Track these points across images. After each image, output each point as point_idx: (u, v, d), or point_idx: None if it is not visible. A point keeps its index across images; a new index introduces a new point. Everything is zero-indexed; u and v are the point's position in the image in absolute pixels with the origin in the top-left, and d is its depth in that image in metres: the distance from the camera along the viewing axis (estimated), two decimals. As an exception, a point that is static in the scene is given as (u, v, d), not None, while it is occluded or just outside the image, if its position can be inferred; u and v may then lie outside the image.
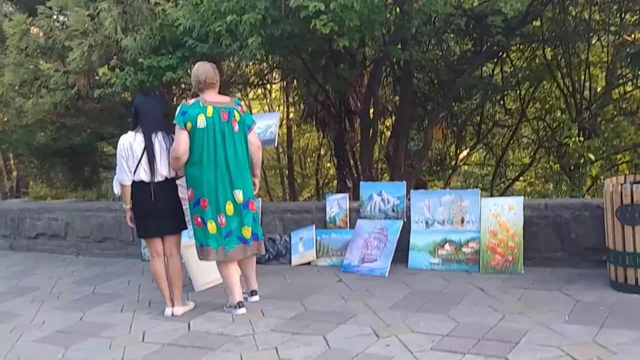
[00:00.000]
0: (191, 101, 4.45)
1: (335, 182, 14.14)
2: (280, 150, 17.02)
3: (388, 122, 11.28)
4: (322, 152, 15.71)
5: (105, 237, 7.14)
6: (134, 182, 4.47)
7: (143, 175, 4.45)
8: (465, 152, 11.68)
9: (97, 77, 6.19)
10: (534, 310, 3.88)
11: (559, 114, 10.26)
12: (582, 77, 9.12)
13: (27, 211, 8.02)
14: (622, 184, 4.09)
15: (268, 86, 12.92)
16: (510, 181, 11.80)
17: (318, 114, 11.11)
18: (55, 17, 6.94)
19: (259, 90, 13.19)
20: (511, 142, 11.17)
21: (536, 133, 10.79)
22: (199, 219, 4.44)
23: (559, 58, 8.90)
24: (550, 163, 10.10)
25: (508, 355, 3.22)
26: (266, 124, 5.96)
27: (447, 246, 5.11)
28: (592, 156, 6.96)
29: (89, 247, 7.30)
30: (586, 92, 9.41)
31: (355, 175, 10.07)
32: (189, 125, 4.32)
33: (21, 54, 6.84)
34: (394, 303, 4.34)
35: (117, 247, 7.02)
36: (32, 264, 7.23)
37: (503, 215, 4.91)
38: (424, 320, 3.92)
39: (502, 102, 10.25)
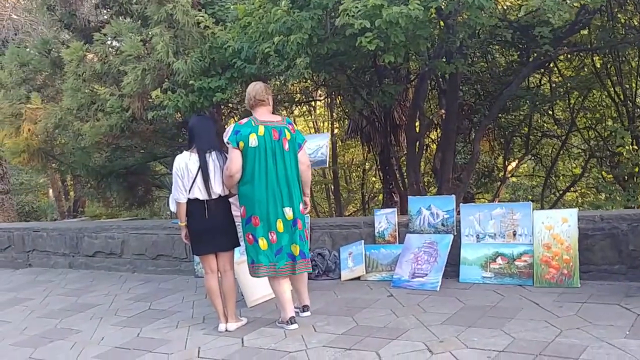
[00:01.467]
0: (244, 120, 4.56)
1: (380, 196, 14.14)
2: (326, 166, 17.13)
3: (433, 136, 11.25)
4: (367, 166, 15.73)
5: (159, 255, 7.32)
6: (189, 200, 4.60)
7: (198, 193, 4.58)
8: (513, 164, 11.51)
9: (150, 100, 6.40)
10: (593, 325, 3.79)
11: (610, 122, 10.02)
12: (634, 85, 8.90)
13: (85, 230, 8.29)
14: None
15: (313, 103, 13.05)
16: (561, 192, 11.56)
17: (363, 129, 11.18)
18: (109, 42, 7.19)
19: (304, 108, 13.34)
20: (561, 152, 10.96)
21: (587, 143, 10.55)
22: (251, 236, 4.53)
23: (608, 66, 8.72)
24: (603, 173, 9.85)
25: (567, 371, 3.17)
26: (317, 145, 6.05)
27: (499, 260, 5.05)
28: (646, 164, 6.76)
29: (144, 264, 7.50)
30: (638, 100, 9.18)
31: (402, 189, 10.06)
32: (241, 144, 4.43)
33: (78, 79, 7.11)
34: (446, 318, 4.31)
35: (171, 264, 7.19)
36: (90, 281, 7.46)
37: (557, 228, 4.83)
38: (477, 335, 3.88)
39: (550, 112, 10.07)
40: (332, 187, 16.05)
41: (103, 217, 13.78)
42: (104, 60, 6.83)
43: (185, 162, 4.58)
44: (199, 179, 4.56)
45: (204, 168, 4.56)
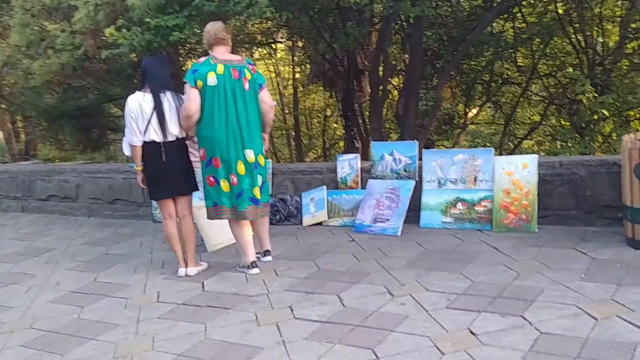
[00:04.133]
0: (202, 59, 4.39)
1: (342, 143, 14.08)
2: (287, 111, 16.92)
3: (395, 81, 11.15)
4: (329, 112, 15.60)
5: (116, 199, 7.16)
6: (144, 142, 4.43)
7: (154, 135, 4.41)
8: (474, 111, 11.56)
9: (103, 38, 6.09)
10: (549, 269, 3.86)
11: (570, 70, 10.09)
12: (595, 32, 8.93)
13: (37, 173, 8.03)
14: (640, 141, 4.03)
15: (274, 45, 12.73)
16: (519, 140, 11.70)
17: (325, 74, 10.99)
18: (59, -25, 6.78)
19: (265, 50, 13.01)
20: (521, 99, 11.03)
21: (547, 90, 10.64)
22: (212, 178, 4.41)
23: (571, 13, 8.70)
24: (562, 121, 9.99)
25: (524, 313, 3.21)
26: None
27: (459, 205, 5.08)
28: (606, 112, 6.84)
29: (100, 208, 7.32)
30: (599, 48, 9.24)
31: (364, 135, 10.01)
32: (199, 83, 4.26)
33: (26, 14, 6.72)
34: (407, 262, 4.34)
35: (129, 209, 7.04)
36: (44, 225, 7.27)
37: (517, 174, 4.86)
38: (438, 279, 3.92)
39: (513, 59, 10.07)
40: (293, 133, 15.91)
41: (57, 160, 13.36)
42: (54, -6, 6.44)
43: (139, 102, 4.38)
44: (154, 120, 4.38)
45: (158, 108, 4.37)
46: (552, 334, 2.95)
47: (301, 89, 15.07)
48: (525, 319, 3.15)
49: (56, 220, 7.47)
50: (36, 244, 6.33)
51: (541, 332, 2.97)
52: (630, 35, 8.57)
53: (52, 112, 8.57)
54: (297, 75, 14.84)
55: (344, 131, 12.09)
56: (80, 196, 7.51)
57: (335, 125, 15.96)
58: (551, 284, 3.60)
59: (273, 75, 17.06)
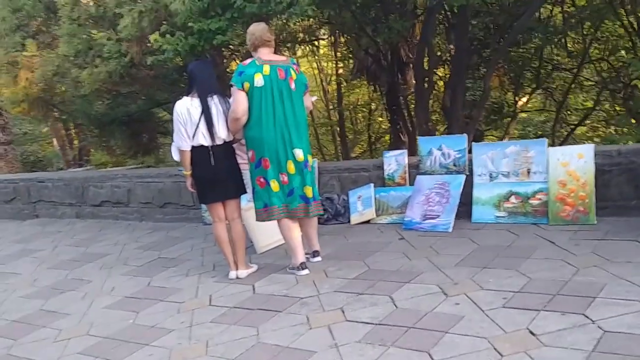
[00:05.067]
0: (247, 61, 4.38)
1: (387, 137, 13.95)
2: (331, 107, 16.88)
3: (441, 72, 10.95)
4: (373, 106, 15.48)
5: (167, 202, 7.26)
6: (193, 147, 4.46)
7: (202, 139, 4.43)
8: (524, 99, 11.26)
9: (149, 44, 6.18)
10: (611, 263, 3.69)
11: (623, 53, 9.70)
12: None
13: (90, 179, 8.23)
14: None
15: (316, 42, 12.70)
16: (572, 127, 11.34)
17: (369, 68, 10.88)
18: (104, -16, 6.93)
19: (307, 48, 12.99)
20: (572, 85, 10.68)
21: (599, 75, 10.26)
22: (262, 179, 4.41)
23: (622, -7, 8.35)
24: (616, 107, 9.61)
25: (586, 311, 3.08)
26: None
27: (512, 199, 4.93)
28: (664, 97, 6.51)
29: (151, 212, 7.45)
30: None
31: (410, 128, 9.87)
32: (246, 85, 4.26)
33: (73, 24, 6.89)
34: (460, 260, 4.23)
35: (179, 212, 7.14)
36: (97, 231, 7.44)
37: (572, 164, 4.68)
38: (493, 276, 3.80)
39: (562, 45, 9.74)
40: (338, 129, 15.85)
41: (109, 165, 13.72)
42: (99, 3, 6.57)
43: (187, 107, 4.41)
44: (202, 125, 4.40)
45: (206, 112, 4.39)
46: (616, 332, 2.81)
47: (345, 84, 15.00)
48: (587, 317, 3.02)
49: (109, 226, 7.64)
50: (91, 250, 6.48)
51: (605, 331, 2.84)
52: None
53: (103, 119, 8.78)
54: (340, 71, 14.77)
55: (389, 125, 11.97)
56: (131, 201, 7.66)
57: (380, 119, 15.83)
58: (613, 279, 3.44)
59: (316, 71, 17.05)
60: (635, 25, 8.70)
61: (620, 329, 2.83)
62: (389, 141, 12.36)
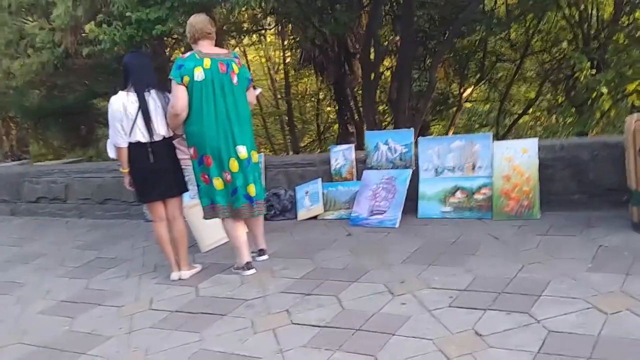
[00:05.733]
0: (187, 54, 4.20)
1: (336, 127, 13.89)
2: (279, 96, 16.70)
3: (387, 62, 10.94)
4: (322, 96, 15.39)
5: (107, 199, 7.00)
6: (130, 143, 4.25)
7: (140, 135, 4.23)
8: (469, 90, 11.39)
9: (84, 34, 5.89)
10: (555, 259, 3.72)
11: (565, 45, 9.92)
12: (589, 6, 8.73)
13: (25, 175, 7.85)
14: (644, 122, 3.87)
15: (262, 32, 12.49)
16: (517, 116, 11.56)
17: (316, 58, 10.78)
18: (36, -30, 6.57)
19: (254, 37, 12.77)
20: (515, 76, 10.87)
21: (541, 66, 10.48)
22: (206, 176, 4.25)
23: (564, -14, 8.50)
24: (559, 98, 9.83)
25: (531, 309, 3.08)
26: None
27: (458, 194, 4.94)
28: (604, 89, 6.66)
29: (91, 209, 7.16)
30: (593, 22, 9.05)
31: (357, 118, 9.84)
32: (186, 79, 4.08)
33: (4, 12, 6.51)
34: (406, 256, 4.20)
35: (119, 208, 6.88)
36: (33, 229, 7.11)
37: (517, 159, 4.71)
38: (439, 274, 3.78)
39: (506, 36, 9.88)
40: (287, 118, 15.71)
41: (49, 156, 13.19)
42: (31, -10, 6.23)
43: (123, 102, 4.19)
44: (140, 120, 4.19)
45: (144, 108, 4.18)
46: (561, 332, 2.82)
47: (292, 73, 14.84)
48: (532, 316, 3.02)
49: (46, 223, 7.31)
50: (26, 250, 6.18)
51: (550, 331, 2.84)
52: (626, 8, 8.37)
53: (38, 111, 8.38)
54: (288, 60, 14.59)
55: (337, 116, 11.91)
56: (70, 197, 7.34)
57: (328, 108, 15.76)
58: (557, 276, 3.46)
59: (263, 60, 16.82)
60: (577, 17, 8.89)
61: (564, 329, 2.84)
62: (338, 130, 12.31)
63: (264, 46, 15.03)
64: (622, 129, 4.76)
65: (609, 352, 2.58)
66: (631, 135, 3.87)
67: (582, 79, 6.98)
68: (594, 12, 8.91)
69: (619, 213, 4.28)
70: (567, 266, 3.58)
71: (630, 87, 7.71)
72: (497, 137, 10.92)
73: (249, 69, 16.54)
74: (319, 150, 16.27)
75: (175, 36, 8.11)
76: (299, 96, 16.56)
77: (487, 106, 13.29)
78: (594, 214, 4.46)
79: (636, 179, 3.90)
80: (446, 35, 8.65)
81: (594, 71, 7.12)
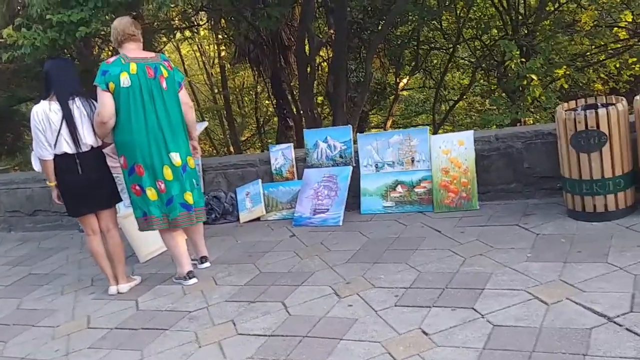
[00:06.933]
0: (111, 59, 4.01)
1: (276, 119, 13.77)
2: (216, 90, 16.42)
3: (323, 53, 10.89)
4: (259, 89, 15.22)
5: (37, 210, 6.66)
6: (56, 155, 4.03)
7: (66, 147, 4.01)
8: (405, 79, 11.51)
9: (2, 39, 5.55)
10: (495, 250, 3.77)
11: (495, 32, 10.13)
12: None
13: (-55, 188, 7.39)
14: (575, 110, 3.95)
15: (194, 28, 12.20)
16: (453, 102, 11.76)
17: (251, 53, 10.62)
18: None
19: (187, 32, 12.47)
20: (449, 64, 11.05)
21: (473, 53, 10.67)
22: (137, 187, 4.07)
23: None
24: (492, 85, 10.04)
25: (475, 305, 3.10)
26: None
27: (399, 188, 4.94)
28: (534, 77, 6.82)
29: (21, 221, 6.81)
30: (521, 9, 9.27)
31: (296, 112, 9.76)
32: (111, 85, 3.89)
33: None
34: (351, 255, 4.16)
35: (51, 220, 6.57)
36: (-41, 245, 6.71)
37: (454, 152, 4.75)
38: (383, 272, 3.77)
39: (438, 25, 10.00)
40: (225, 113, 15.46)
41: (-26, 165, 12.52)
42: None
43: (45, 112, 3.95)
44: (65, 130, 3.97)
45: (68, 117, 3.96)
46: (504, 326, 2.85)
47: (229, 67, 14.59)
48: (476, 310, 3.04)
49: (-27, 238, 6.92)
50: (-49, 269, 5.82)
51: (494, 325, 2.86)
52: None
53: (-43, 119, 7.91)
54: (223, 54, 14.33)
55: (276, 110, 11.80)
56: (-3, 210, 6.97)
57: (267, 102, 15.61)
58: (498, 268, 3.50)
59: (198, 54, 16.49)
60: (505, 4, 9.07)
61: (508, 322, 2.87)
62: (277, 124, 12.19)
63: (197, 41, 14.71)
64: (553, 113, 4.87)
65: (552, 344, 2.62)
66: (562, 124, 3.95)
67: (512, 67, 7.13)
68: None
69: (554, 200, 4.40)
70: (508, 257, 3.63)
71: (559, 72, 7.96)
72: (435, 123, 11.10)
73: (183, 63, 16.23)
74: (260, 144, 16.13)
75: (103, 33, 7.81)
76: (237, 90, 16.34)
77: (424, 94, 13.48)
78: (530, 202, 4.56)
79: (569, 166, 3.99)
80: (380, 26, 8.67)
81: (524, 59, 7.28)
